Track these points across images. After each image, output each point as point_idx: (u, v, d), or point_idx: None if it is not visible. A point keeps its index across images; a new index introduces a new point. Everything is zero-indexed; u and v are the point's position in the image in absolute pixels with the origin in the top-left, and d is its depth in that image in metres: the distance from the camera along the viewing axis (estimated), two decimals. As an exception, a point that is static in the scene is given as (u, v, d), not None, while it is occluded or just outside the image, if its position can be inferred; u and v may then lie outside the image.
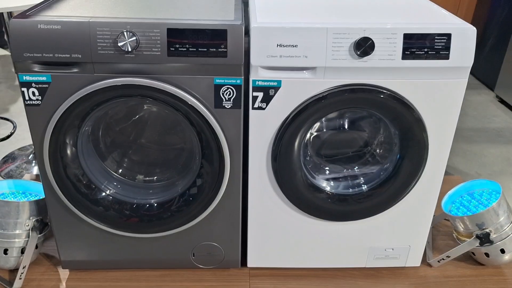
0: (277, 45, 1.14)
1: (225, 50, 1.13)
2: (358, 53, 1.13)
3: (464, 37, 1.15)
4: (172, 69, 1.15)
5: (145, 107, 1.36)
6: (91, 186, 1.32)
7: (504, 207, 1.43)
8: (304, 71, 1.17)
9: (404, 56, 1.15)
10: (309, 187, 1.31)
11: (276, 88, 1.19)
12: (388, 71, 1.17)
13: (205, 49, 1.12)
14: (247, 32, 1.15)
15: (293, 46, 1.14)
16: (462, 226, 1.47)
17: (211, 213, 1.33)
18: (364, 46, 1.13)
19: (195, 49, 1.12)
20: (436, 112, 1.23)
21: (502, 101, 3.13)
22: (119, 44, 1.10)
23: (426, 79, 1.19)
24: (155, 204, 1.35)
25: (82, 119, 1.21)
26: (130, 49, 1.10)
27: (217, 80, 1.17)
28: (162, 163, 1.42)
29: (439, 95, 1.20)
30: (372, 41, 1.12)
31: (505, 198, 1.46)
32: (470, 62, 1.17)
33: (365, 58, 1.14)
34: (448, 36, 1.14)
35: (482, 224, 1.42)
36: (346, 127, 1.39)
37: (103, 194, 1.34)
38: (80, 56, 1.12)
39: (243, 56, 1.14)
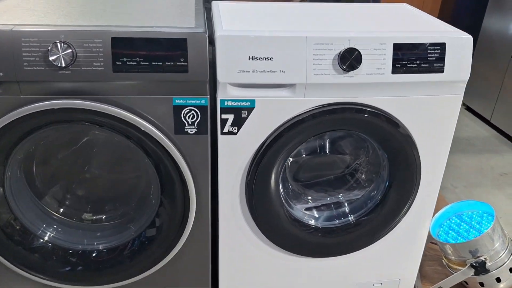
0: (249, 57, 0.95)
1: (186, 64, 0.93)
2: (344, 67, 0.96)
3: (460, 47, 1.01)
4: (119, 88, 0.93)
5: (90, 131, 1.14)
6: (26, 232, 1.08)
7: (499, 231, 1.31)
8: (282, 89, 0.99)
9: (394, 70, 0.99)
10: (290, 222, 1.13)
11: (249, 109, 1.00)
12: (377, 87, 1.01)
13: (161, 63, 0.92)
14: (211, 42, 0.96)
15: (268, 59, 0.95)
16: (454, 253, 1.34)
17: (175, 257, 1.12)
18: (349, 59, 0.96)
19: (147, 63, 0.91)
20: (429, 131, 1.08)
21: (469, 109, 3.10)
22: (51, 58, 0.87)
23: (418, 95, 1.04)
24: (105, 250, 1.12)
25: (7, 153, 0.96)
26: (64, 64, 0.88)
27: (177, 101, 0.97)
28: (113, 199, 1.19)
29: (432, 112, 1.06)
30: (359, 52, 0.96)
31: (499, 221, 1.34)
32: (467, 75, 1.03)
33: (351, 72, 0.98)
34: (442, 46, 1.00)
35: (476, 251, 1.29)
36: (327, 150, 1.22)
37: (41, 240, 1.09)
38: (1, 74, 0.88)
39: (208, 71, 0.95)
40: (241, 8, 1.17)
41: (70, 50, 0.87)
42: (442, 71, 1.01)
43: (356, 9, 1.22)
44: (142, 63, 0.91)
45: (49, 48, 0.87)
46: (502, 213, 2.11)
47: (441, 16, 3.52)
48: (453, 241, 1.37)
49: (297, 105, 1.01)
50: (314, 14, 1.15)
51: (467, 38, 1.01)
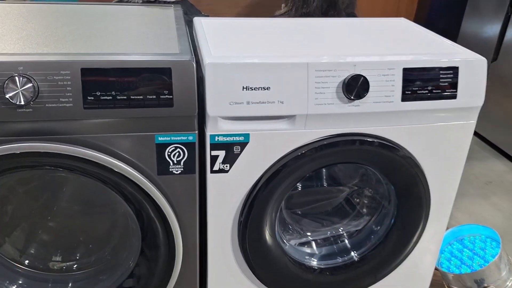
0: (243, 87, 0.83)
1: (170, 97, 0.80)
2: (350, 96, 0.85)
3: (473, 70, 0.92)
4: (91, 126, 0.79)
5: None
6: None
7: (505, 259, 1.24)
8: (280, 121, 0.88)
9: (404, 97, 0.89)
10: (289, 265, 1.01)
11: (243, 144, 0.88)
12: (385, 116, 0.91)
13: (141, 97, 0.79)
14: (198, 71, 0.84)
15: (264, 88, 0.84)
16: (458, 282, 1.26)
17: (158, 311, 0.98)
18: (356, 87, 0.85)
19: (125, 98, 0.78)
20: (439, 161, 0.99)
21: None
22: (8, 96, 0.73)
23: (428, 123, 0.94)
24: (78, 305, 0.98)
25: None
26: (24, 102, 0.73)
27: (160, 138, 0.83)
28: (86, 245, 1.04)
29: (443, 141, 0.97)
30: (366, 79, 0.86)
31: (504, 248, 1.27)
32: (481, 100, 0.94)
33: (357, 101, 0.87)
34: (455, 70, 0.91)
35: (482, 281, 1.22)
36: (324, 180, 1.11)
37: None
38: None
39: (197, 104, 0.82)
40: (226, 26, 1.04)
41: (31, 85, 0.73)
42: (454, 97, 0.92)
43: (352, 25, 1.12)
44: (118, 98, 0.77)
45: (4, 82, 0.72)
46: (490, 224, 2.07)
47: (417, 20, 3.48)
48: (456, 270, 1.29)
49: (297, 138, 0.89)
50: (308, 32, 1.04)
51: (481, 61, 0.92)
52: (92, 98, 0.76)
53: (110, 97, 0.77)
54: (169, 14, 1.10)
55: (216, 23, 1.06)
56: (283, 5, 1.55)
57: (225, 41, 0.93)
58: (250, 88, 0.83)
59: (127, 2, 1.38)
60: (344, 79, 0.86)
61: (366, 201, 1.13)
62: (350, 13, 1.51)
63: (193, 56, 0.83)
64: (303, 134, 0.89)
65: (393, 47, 0.96)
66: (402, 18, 1.21)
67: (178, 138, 0.84)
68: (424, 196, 0.99)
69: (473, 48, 0.97)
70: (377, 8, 2.91)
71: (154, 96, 0.79)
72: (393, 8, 3.32)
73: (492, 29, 2.59)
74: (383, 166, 0.96)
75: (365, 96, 0.86)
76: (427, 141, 0.96)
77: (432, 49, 0.96)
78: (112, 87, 0.77)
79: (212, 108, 0.83)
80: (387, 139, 0.93)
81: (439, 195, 1.02)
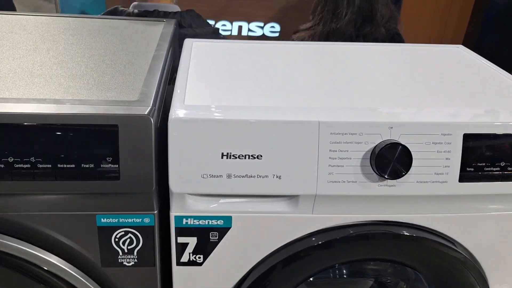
0: (223, 155, 0.57)
1: (115, 166, 0.55)
2: (384, 174, 0.58)
3: None
4: (4, 204, 0.57)
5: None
6: None
7: None
8: (276, 201, 0.62)
9: (463, 176, 0.61)
10: None
11: (223, 230, 0.62)
12: (434, 201, 0.63)
13: (72, 166, 0.55)
14: (165, 123, 0.59)
15: (254, 157, 0.58)
16: None
17: None
18: (392, 160, 0.58)
19: (49, 166, 0.54)
20: (503, 259, 0.69)
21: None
22: None
23: (492, 212, 0.65)
24: None
25: None
26: None
27: (103, 220, 0.59)
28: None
29: (499, 230, 0.67)
30: (408, 150, 0.58)
31: None
32: None
33: (393, 180, 0.59)
34: (543, 137, 0.61)
35: None
36: (344, 271, 0.83)
37: None
38: None
39: (154, 176, 0.57)
40: (222, 53, 0.79)
41: None
42: (538, 177, 0.62)
43: (393, 56, 0.83)
44: (40, 166, 0.54)
45: None
46: None
47: (466, 40, 3.03)
48: None
49: (300, 225, 0.63)
50: (329, 66, 0.77)
51: None
52: (2, 166, 0.53)
53: (28, 165, 0.54)
54: (154, 33, 0.85)
55: (210, 48, 0.81)
56: (310, 16, 1.28)
57: (211, 80, 0.68)
58: (233, 156, 0.57)
59: (120, 14, 1.15)
60: (374, 148, 0.58)
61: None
62: (391, 30, 1.21)
63: (158, 104, 0.58)
64: (309, 220, 0.62)
65: (445, 95, 0.67)
66: (460, 47, 0.91)
67: (130, 220, 0.60)
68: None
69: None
70: (423, 20, 2.53)
71: (91, 165, 0.55)
72: (441, 22, 2.91)
73: None
74: (426, 267, 0.67)
75: (404, 175, 0.58)
76: (492, 236, 0.66)
77: (502, 99, 0.67)
78: (30, 151, 0.53)
79: (176, 182, 0.58)
80: (436, 232, 0.64)
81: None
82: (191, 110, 0.58)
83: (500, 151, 0.60)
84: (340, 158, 0.58)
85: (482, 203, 0.64)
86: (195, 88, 0.64)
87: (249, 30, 2.39)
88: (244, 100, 0.62)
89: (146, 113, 0.55)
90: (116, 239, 0.61)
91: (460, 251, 0.66)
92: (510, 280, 0.70)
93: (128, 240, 0.61)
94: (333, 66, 0.77)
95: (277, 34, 2.39)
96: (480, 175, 0.61)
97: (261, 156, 0.57)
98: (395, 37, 1.20)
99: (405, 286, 0.80)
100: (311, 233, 0.63)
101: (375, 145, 0.58)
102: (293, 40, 1.23)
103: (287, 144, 0.57)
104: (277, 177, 0.58)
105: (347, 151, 0.58)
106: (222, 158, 0.57)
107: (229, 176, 0.58)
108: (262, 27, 2.39)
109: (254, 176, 0.58)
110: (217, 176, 0.58)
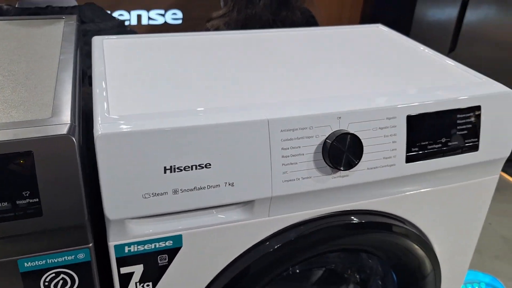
0: (166, 169, 0.50)
1: (36, 200, 0.45)
2: (339, 166, 0.55)
3: (498, 109, 0.65)
4: None
5: None
6: None
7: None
8: (230, 210, 0.56)
9: (410, 157, 0.61)
10: None
11: (173, 251, 0.55)
12: (383, 185, 0.62)
13: (-22, 209, 0.44)
14: (91, 142, 0.50)
15: (201, 166, 0.51)
16: None
17: None
18: (344, 151, 0.55)
19: None
20: (452, 231, 0.72)
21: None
22: None
23: (438, 186, 0.67)
24: None
25: None
26: None
27: (27, 264, 0.49)
28: None
29: (458, 206, 0.70)
30: (358, 138, 0.56)
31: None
32: (508, 150, 0.68)
33: (346, 171, 0.57)
34: (475, 111, 0.63)
35: None
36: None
37: None
38: None
39: (85, 205, 0.48)
40: (139, 51, 0.70)
41: None
42: (476, 149, 0.65)
43: (319, 40, 0.81)
44: None
45: None
46: None
47: (364, 11, 3.21)
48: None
49: (257, 230, 0.58)
50: (260, 57, 0.72)
51: (508, 94, 0.65)
52: None
53: None
54: (54, 33, 0.73)
55: (124, 46, 0.71)
56: (222, 3, 1.21)
57: (135, 84, 0.59)
58: (178, 168, 0.50)
59: (5, 14, 0.98)
60: (325, 140, 0.55)
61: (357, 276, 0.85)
62: (305, 12, 1.20)
63: (77, 119, 0.49)
64: (266, 224, 0.58)
65: (387, 80, 0.67)
66: (379, 25, 0.92)
67: (60, 260, 0.50)
68: (434, 280, 0.73)
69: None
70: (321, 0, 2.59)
71: (6, 204, 0.44)
72: (338, 2, 3.02)
73: (447, 14, 2.37)
74: (383, 250, 0.68)
75: (356, 164, 0.57)
76: (437, 209, 0.68)
77: (431, 74, 0.68)
78: None
79: (113, 208, 0.49)
80: (387, 213, 0.65)
81: (450, 272, 0.76)
82: (119, 122, 0.50)
83: (440, 128, 0.61)
84: (293, 156, 0.55)
85: (427, 180, 0.65)
86: (119, 96, 0.56)
87: (150, 18, 2.24)
88: (178, 103, 0.55)
89: (65, 132, 0.46)
90: (46, 283, 0.51)
91: (409, 228, 0.67)
92: (457, 250, 0.74)
93: (61, 282, 0.51)
94: (264, 58, 0.72)
95: (180, 22, 2.27)
96: (424, 153, 0.61)
97: (210, 164, 0.51)
98: (310, 20, 1.19)
99: (357, 275, 0.81)
100: (267, 237, 0.59)
101: (325, 137, 0.55)
102: (208, 29, 1.16)
103: (237, 148, 0.52)
104: (229, 184, 0.53)
105: (299, 147, 0.55)
106: (165, 172, 0.50)
107: (175, 191, 0.51)
108: (163, 15, 2.25)
109: (204, 188, 0.52)
110: (161, 194, 0.51)
